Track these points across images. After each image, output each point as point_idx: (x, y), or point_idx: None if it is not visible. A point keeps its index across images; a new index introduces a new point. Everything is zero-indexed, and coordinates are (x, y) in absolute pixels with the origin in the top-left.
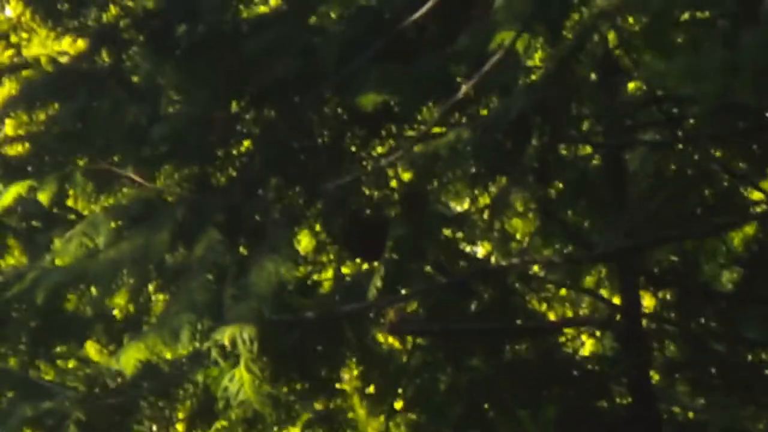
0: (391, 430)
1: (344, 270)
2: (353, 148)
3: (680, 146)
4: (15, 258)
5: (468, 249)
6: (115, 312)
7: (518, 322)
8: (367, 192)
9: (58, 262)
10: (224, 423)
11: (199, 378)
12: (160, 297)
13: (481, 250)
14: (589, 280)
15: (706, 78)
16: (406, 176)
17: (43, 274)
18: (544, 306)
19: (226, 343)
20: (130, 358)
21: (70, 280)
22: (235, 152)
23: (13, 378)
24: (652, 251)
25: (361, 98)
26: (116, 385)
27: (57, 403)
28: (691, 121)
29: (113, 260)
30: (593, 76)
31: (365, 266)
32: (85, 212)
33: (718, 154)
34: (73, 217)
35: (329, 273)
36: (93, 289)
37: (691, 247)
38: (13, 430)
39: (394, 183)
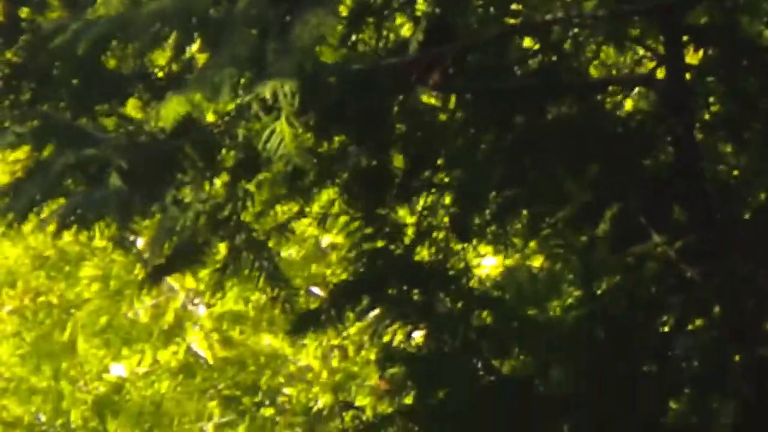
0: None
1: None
2: None
3: None
4: (56, 13)
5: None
6: (157, 69)
7: (561, 79)
8: None
9: (100, 14)
10: (267, 176)
11: (241, 132)
12: (203, 56)
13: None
14: (632, 36)
15: None
16: None
17: (86, 25)
18: (587, 63)
19: (268, 96)
20: (171, 111)
21: (112, 32)
22: None
23: (57, 124)
24: (694, 6)
25: None
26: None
27: (100, 149)
28: None
29: (157, 12)
30: None
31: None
32: None
33: None
34: None
35: (371, 30)
36: (134, 44)
37: (733, 4)
38: (55, 176)
39: None
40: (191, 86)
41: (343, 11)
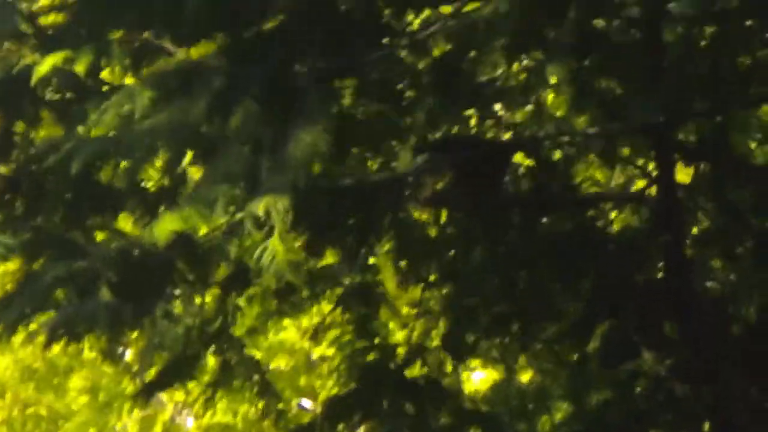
0: (423, 304)
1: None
2: (388, 22)
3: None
4: (49, 130)
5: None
6: (150, 184)
7: (553, 195)
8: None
9: (93, 133)
10: (257, 290)
11: (233, 248)
12: (195, 170)
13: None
14: (623, 153)
15: None
16: (436, 52)
17: (79, 144)
18: (580, 179)
19: (261, 213)
20: (165, 229)
21: (105, 151)
22: (270, 25)
23: (47, 238)
24: (686, 124)
25: None
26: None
27: (90, 262)
28: None
29: (149, 131)
30: None
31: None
32: (121, 84)
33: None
34: (107, 89)
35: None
36: (128, 160)
37: (725, 121)
38: (45, 288)
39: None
40: (185, 203)
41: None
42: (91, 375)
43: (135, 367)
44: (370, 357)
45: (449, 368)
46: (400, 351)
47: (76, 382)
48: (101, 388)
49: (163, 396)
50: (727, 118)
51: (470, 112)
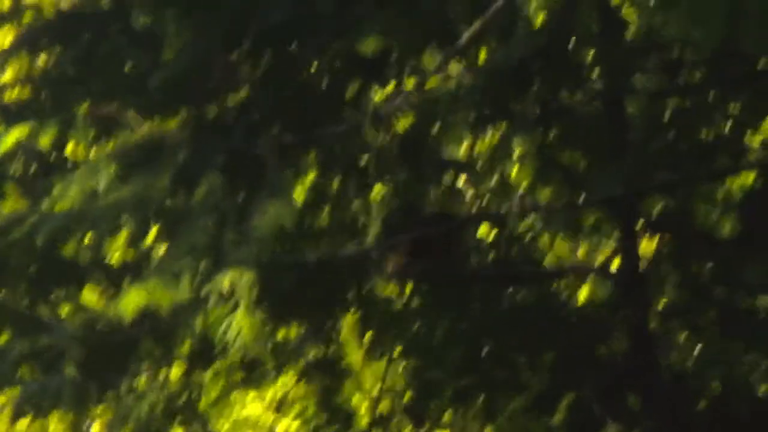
0: (388, 377)
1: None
2: (352, 95)
3: (679, 92)
4: (14, 203)
5: (469, 192)
6: (114, 258)
7: (517, 268)
8: (366, 138)
9: (58, 207)
10: (223, 365)
11: (198, 322)
12: (160, 243)
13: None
14: (587, 226)
15: (708, 24)
16: (402, 124)
17: (43, 219)
18: (543, 252)
19: (226, 287)
20: (130, 303)
21: (69, 225)
22: (234, 98)
23: (12, 314)
24: (650, 197)
25: (361, 43)
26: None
27: (55, 339)
28: (691, 67)
29: (113, 204)
30: (593, 22)
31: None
32: (85, 158)
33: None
34: (72, 163)
35: (328, 219)
36: (92, 234)
37: (690, 192)
38: (9, 365)
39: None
40: (150, 277)
41: (299, 199)
42: None
43: None
44: (333, 430)
45: None
46: (364, 423)
47: None
48: None
49: None
50: (690, 190)
51: (435, 185)
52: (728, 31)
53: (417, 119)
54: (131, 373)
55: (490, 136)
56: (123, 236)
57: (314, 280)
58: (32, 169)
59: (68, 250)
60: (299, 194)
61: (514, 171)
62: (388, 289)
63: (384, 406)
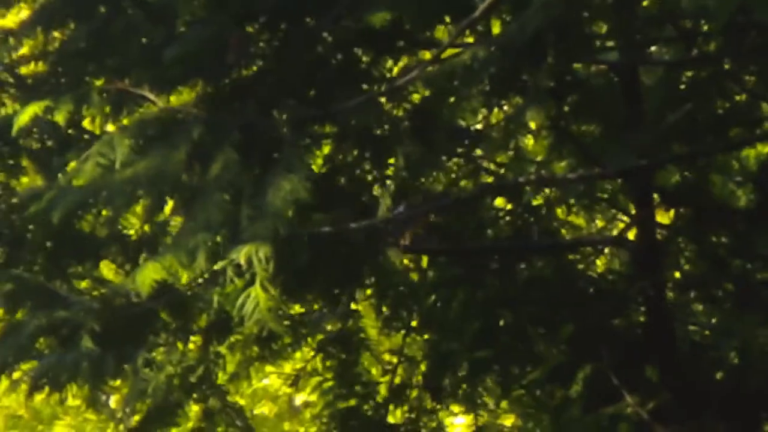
0: (405, 350)
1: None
2: (366, 68)
3: (694, 63)
4: (30, 179)
5: (484, 164)
6: (131, 232)
7: (533, 239)
8: (381, 111)
9: (74, 182)
10: (239, 337)
11: (215, 297)
12: (176, 217)
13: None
14: (603, 198)
15: None
16: (416, 97)
17: (60, 194)
18: (559, 223)
19: (242, 261)
20: (147, 278)
21: (86, 200)
22: (248, 73)
23: (29, 287)
24: (666, 168)
25: (372, 16)
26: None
27: (72, 312)
28: (706, 38)
29: (129, 180)
30: None
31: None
32: (101, 133)
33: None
34: (88, 138)
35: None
36: (109, 209)
37: (706, 164)
38: (26, 339)
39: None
40: (167, 252)
41: (315, 172)
42: (75, 422)
43: (119, 415)
44: (352, 402)
45: (431, 412)
46: (381, 396)
47: (60, 430)
48: None
49: None
50: (707, 161)
51: (449, 157)
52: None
53: (432, 91)
54: (148, 346)
55: (505, 109)
56: (139, 211)
57: (330, 254)
58: (48, 144)
59: (85, 225)
60: (314, 168)
61: (530, 143)
62: (404, 262)
63: (401, 379)
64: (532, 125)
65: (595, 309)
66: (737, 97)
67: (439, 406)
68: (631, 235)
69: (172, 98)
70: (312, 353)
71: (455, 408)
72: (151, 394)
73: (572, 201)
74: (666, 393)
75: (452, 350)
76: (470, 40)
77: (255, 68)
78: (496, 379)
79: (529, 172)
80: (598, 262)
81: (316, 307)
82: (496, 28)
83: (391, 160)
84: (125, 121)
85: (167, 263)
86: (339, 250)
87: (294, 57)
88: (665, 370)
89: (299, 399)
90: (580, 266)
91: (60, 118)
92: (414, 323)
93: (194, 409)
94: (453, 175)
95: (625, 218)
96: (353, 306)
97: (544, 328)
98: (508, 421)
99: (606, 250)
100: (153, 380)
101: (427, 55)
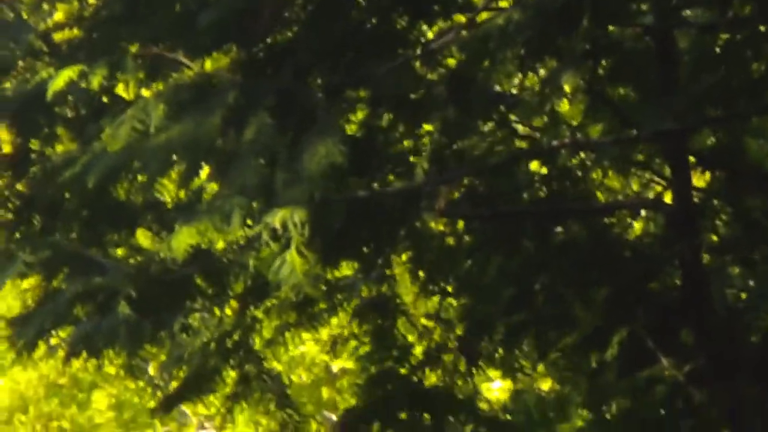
0: (441, 315)
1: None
2: (401, 33)
3: (729, 26)
4: (65, 147)
5: (520, 129)
6: (166, 199)
7: (569, 203)
8: (416, 75)
9: (108, 147)
10: (275, 302)
11: (251, 260)
12: (211, 183)
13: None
14: (638, 161)
15: None
16: (452, 61)
17: (94, 158)
18: (595, 187)
19: (278, 225)
20: (182, 243)
21: (120, 165)
22: (283, 38)
23: (66, 254)
24: (700, 132)
25: None
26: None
27: (108, 278)
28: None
29: (164, 145)
30: None
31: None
32: (135, 99)
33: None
34: (122, 104)
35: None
36: (144, 174)
37: (741, 127)
38: (63, 305)
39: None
40: (202, 217)
41: (350, 137)
42: (115, 390)
43: (157, 382)
44: (387, 367)
45: (466, 376)
46: (416, 360)
47: (100, 396)
48: (125, 404)
49: (188, 410)
50: (742, 124)
51: (485, 122)
52: None
53: (467, 56)
54: (185, 312)
55: (540, 72)
56: (174, 176)
57: (366, 218)
58: (82, 112)
59: (120, 191)
60: (349, 132)
61: (565, 107)
62: (439, 226)
63: (436, 344)
64: (567, 89)
65: (630, 272)
66: None
67: (474, 370)
68: (667, 198)
69: (207, 64)
70: (348, 319)
71: (492, 373)
72: (188, 360)
73: (607, 164)
74: (702, 356)
75: (488, 314)
76: (505, 3)
77: (289, 33)
78: (532, 342)
79: (564, 135)
80: (635, 225)
81: (351, 272)
82: None
83: (427, 126)
84: (160, 87)
85: (202, 227)
86: (375, 214)
87: (328, 22)
88: (701, 334)
89: (336, 366)
90: (616, 230)
91: (95, 83)
92: (450, 288)
93: (231, 375)
94: (489, 139)
95: (661, 181)
96: (389, 271)
97: (580, 292)
98: (545, 385)
99: (642, 214)
100: (189, 346)
101: (462, 18)
